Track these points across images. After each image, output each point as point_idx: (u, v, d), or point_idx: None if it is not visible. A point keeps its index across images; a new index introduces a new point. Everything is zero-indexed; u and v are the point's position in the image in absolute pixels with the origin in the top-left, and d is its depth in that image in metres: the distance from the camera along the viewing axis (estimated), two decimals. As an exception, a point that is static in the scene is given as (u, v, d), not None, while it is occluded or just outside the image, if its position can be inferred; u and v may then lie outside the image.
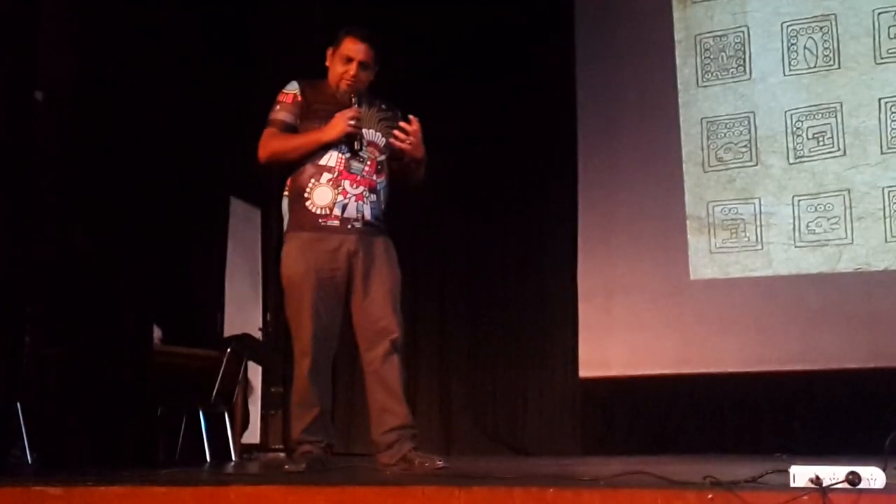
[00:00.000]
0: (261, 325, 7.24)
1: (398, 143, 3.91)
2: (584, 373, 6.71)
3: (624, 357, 6.60)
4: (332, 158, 3.86)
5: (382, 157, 3.99)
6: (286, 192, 3.97)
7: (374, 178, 3.92)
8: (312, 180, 3.85)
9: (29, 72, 4.97)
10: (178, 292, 6.38)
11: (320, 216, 3.83)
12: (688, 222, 6.57)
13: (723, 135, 6.54)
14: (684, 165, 6.63)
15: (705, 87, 6.63)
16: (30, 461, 4.56)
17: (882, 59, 6.19)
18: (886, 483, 2.37)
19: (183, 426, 6.01)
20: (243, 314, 7.12)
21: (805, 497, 2.34)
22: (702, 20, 6.69)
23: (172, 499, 2.89)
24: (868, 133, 6.17)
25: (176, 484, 2.99)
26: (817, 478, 2.37)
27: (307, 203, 3.85)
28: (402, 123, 3.94)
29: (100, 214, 5.27)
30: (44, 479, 3.27)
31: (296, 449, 3.94)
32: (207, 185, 6.77)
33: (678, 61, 6.71)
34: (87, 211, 5.22)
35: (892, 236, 6.07)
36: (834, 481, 2.35)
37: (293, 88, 4.01)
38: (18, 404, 4.61)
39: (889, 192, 6.09)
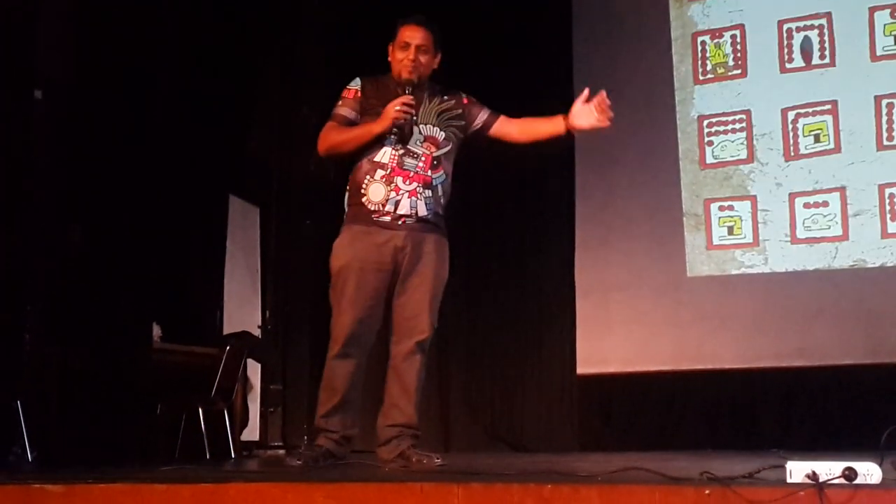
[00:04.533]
0: (260, 323, 7.25)
1: (606, 122, 4.02)
2: (581, 369, 6.72)
3: (621, 354, 6.62)
4: (385, 155, 3.89)
5: (440, 153, 3.99)
6: (347, 188, 4.02)
7: (430, 173, 3.93)
8: (368, 177, 3.89)
9: (28, 70, 4.98)
10: (177, 290, 6.39)
11: (374, 212, 3.88)
12: (684, 219, 6.59)
13: (719, 132, 6.56)
14: (681, 163, 6.64)
15: (702, 84, 6.65)
16: (30, 459, 4.57)
17: (877, 56, 6.20)
18: (883, 478, 2.38)
19: (182, 423, 6.03)
20: (242, 312, 7.12)
21: (802, 493, 2.35)
22: (698, 18, 6.71)
23: (172, 496, 2.90)
24: (864, 130, 6.18)
25: (176, 481, 2.99)
26: (814, 473, 2.38)
27: (363, 199, 3.89)
28: (596, 102, 4.04)
29: (99, 213, 5.28)
30: (44, 477, 3.28)
31: (316, 434, 3.97)
32: (206, 183, 6.77)
33: (675, 59, 6.73)
34: (87, 209, 5.23)
35: (888, 233, 6.08)
36: (830, 477, 2.36)
37: (355, 84, 4.05)
38: (18, 403, 4.62)
39: (885, 188, 6.11)
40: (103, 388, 5.11)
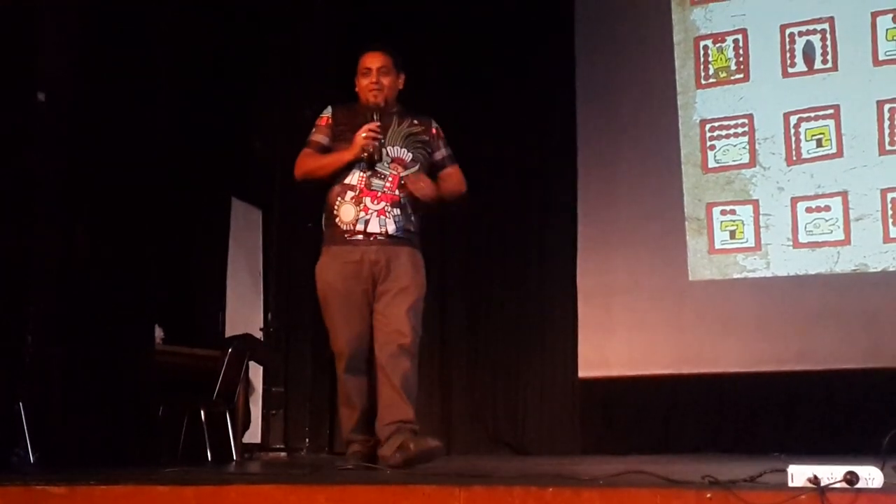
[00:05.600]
0: (262, 325, 7.25)
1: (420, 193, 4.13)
2: (583, 373, 6.73)
3: (623, 357, 6.62)
4: (354, 177, 4.10)
5: (407, 173, 4.16)
6: (323, 210, 4.22)
7: (397, 192, 4.12)
8: (339, 199, 4.11)
9: (31, 72, 4.98)
10: (179, 292, 6.39)
11: (346, 232, 4.09)
12: (686, 223, 6.59)
13: (721, 136, 6.56)
14: (683, 167, 6.65)
15: (704, 88, 6.66)
16: (32, 461, 4.57)
17: (880, 60, 6.20)
18: (884, 483, 2.38)
19: (184, 425, 6.03)
20: (244, 314, 7.13)
21: (803, 496, 2.35)
22: (700, 22, 6.72)
23: (174, 498, 2.90)
24: (866, 135, 6.18)
25: (177, 483, 3.00)
26: (815, 477, 2.38)
27: (336, 220, 4.12)
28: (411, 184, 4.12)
29: (101, 214, 5.28)
30: (46, 478, 3.27)
31: (347, 447, 4.16)
32: (209, 185, 6.78)
33: (677, 63, 6.73)
34: (89, 211, 5.23)
35: (890, 237, 6.09)
36: (832, 481, 2.36)
37: (326, 112, 4.28)
38: (20, 404, 4.62)
39: (887, 193, 6.11)
40: (105, 389, 5.10)
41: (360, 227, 4.06)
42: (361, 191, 4.08)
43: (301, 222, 7.26)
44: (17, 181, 4.88)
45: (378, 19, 7.20)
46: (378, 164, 4.10)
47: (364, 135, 4.04)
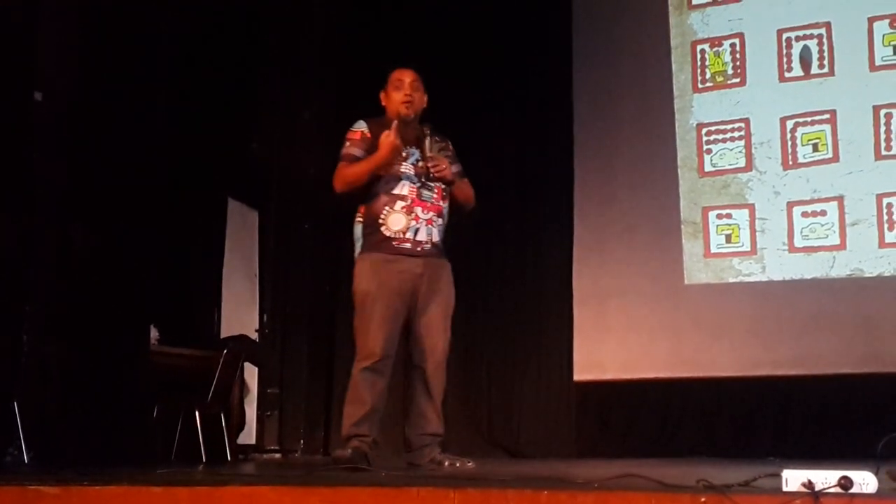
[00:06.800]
0: (257, 327, 7.24)
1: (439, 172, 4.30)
2: (578, 376, 6.72)
3: (618, 360, 6.62)
4: (405, 188, 4.29)
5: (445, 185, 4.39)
6: (360, 219, 4.38)
7: (441, 203, 4.38)
8: (387, 208, 4.28)
9: (28, 72, 4.98)
10: (175, 293, 6.39)
11: (394, 239, 4.27)
12: (682, 227, 6.59)
13: (718, 140, 6.57)
14: (679, 171, 6.65)
15: (701, 92, 6.66)
16: (26, 460, 4.57)
17: (876, 66, 6.21)
18: (878, 488, 2.39)
19: (179, 426, 6.03)
20: (240, 315, 7.13)
21: (797, 501, 2.35)
22: (698, 26, 6.73)
23: (168, 499, 2.90)
24: (862, 140, 6.19)
25: (172, 484, 3.00)
26: (810, 482, 2.38)
27: (382, 228, 4.28)
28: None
29: (98, 214, 5.28)
30: (40, 478, 3.27)
31: (346, 443, 4.23)
32: (205, 186, 6.78)
33: (674, 67, 6.74)
34: (86, 211, 5.23)
35: (886, 242, 6.09)
36: (826, 486, 2.36)
37: (360, 126, 4.40)
38: (15, 403, 4.62)
39: (882, 198, 6.12)
40: (100, 389, 5.10)
41: (409, 235, 4.25)
42: (413, 201, 4.27)
43: (297, 224, 7.27)
44: (15, 181, 4.88)
45: (377, 20, 7.20)
46: (425, 177, 4.30)
47: (391, 136, 4.17)
